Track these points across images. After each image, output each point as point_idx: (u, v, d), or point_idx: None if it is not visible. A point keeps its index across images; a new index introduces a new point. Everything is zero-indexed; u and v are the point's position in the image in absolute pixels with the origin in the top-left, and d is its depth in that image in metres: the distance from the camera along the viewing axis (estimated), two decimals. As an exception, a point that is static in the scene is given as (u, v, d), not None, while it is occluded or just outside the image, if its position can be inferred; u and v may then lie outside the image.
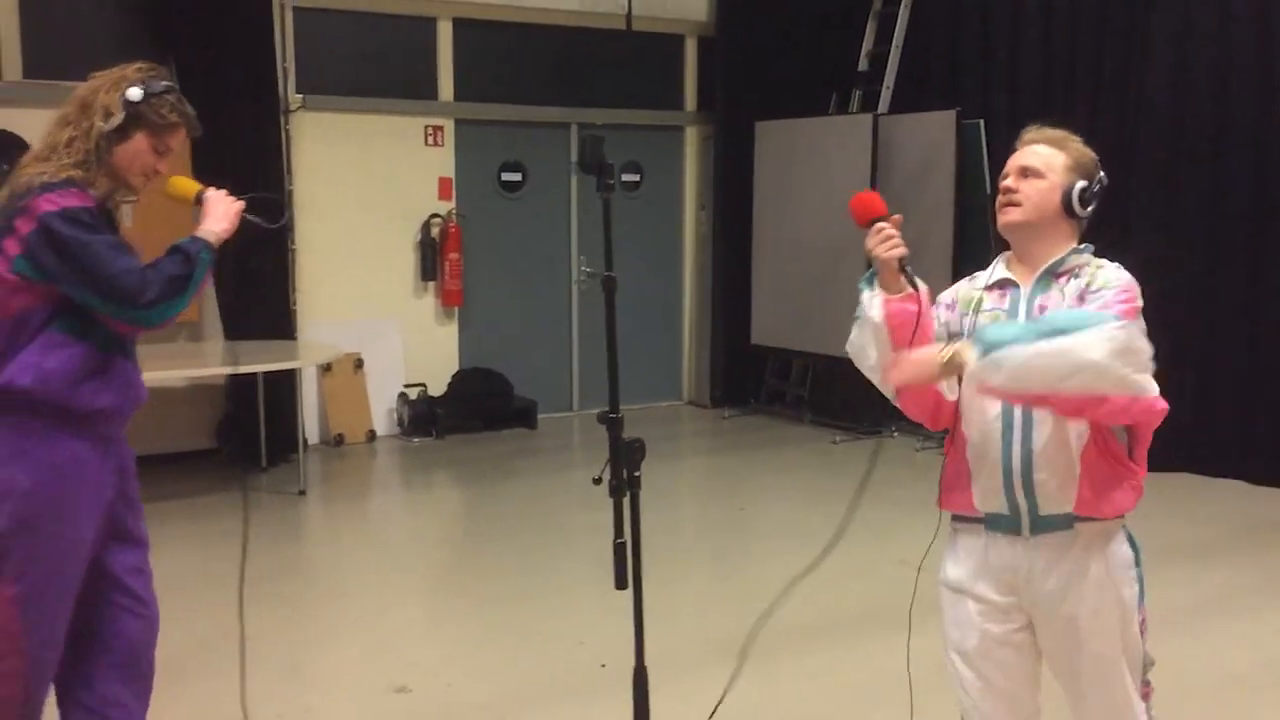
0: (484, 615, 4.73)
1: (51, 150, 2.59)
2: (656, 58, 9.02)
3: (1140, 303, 2.26)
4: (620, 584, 2.08)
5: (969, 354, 2.10)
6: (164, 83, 2.66)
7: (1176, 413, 7.94)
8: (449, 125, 8.21)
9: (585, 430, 8.54)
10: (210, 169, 7.08)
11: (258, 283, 7.24)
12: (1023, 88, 7.69)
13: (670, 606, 4.81)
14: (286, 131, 7.42)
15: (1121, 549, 2.37)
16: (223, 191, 2.76)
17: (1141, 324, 2.20)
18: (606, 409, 2.06)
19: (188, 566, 5.31)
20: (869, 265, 2.35)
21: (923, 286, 2.32)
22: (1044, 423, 2.25)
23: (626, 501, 2.03)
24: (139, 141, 2.63)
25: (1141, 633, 2.39)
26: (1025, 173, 2.37)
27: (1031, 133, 2.44)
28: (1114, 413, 2.17)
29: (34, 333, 2.52)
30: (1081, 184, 2.35)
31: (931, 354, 2.17)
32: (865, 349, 2.34)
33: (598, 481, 2.04)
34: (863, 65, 8.64)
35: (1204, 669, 4.07)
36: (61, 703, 2.77)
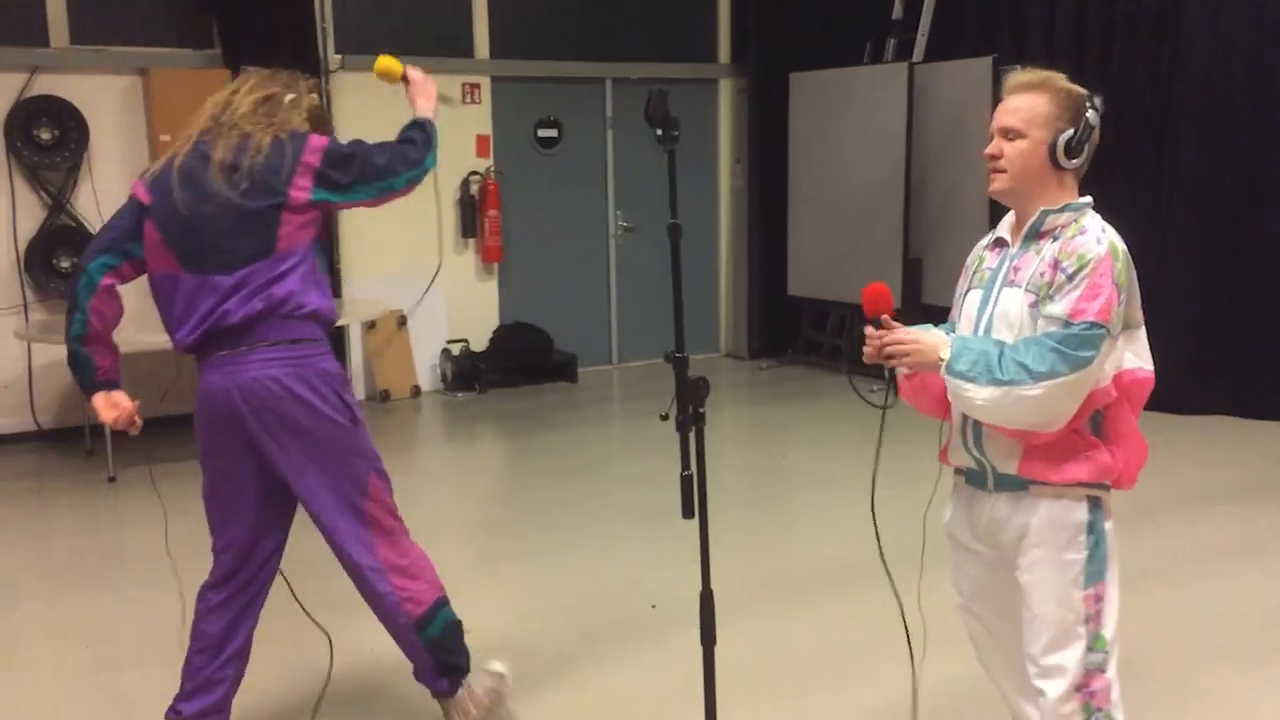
0: (535, 563, 4.86)
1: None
2: (689, 11, 9.02)
3: (1111, 288, 2.18)
4: (687, 513, 2.20)
5: (943, 354, 2.22)
6: None
7: (1219, 357, 7.93)
8: (485, 83, 8.27)
9: (625, 383, 8.66)
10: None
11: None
12: (1058, 30, 7.64)
13: (717, 549, 4.93)
14: (326, 92, 7.49)
15: (1073, 512, 2.29)
16: (418, 71, 3.26)
17: (1118, 305, 2.19)
18: (672, 350, 2.17)
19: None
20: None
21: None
22: None
23: (692, 436, 2.14)
24: None
25: (1096, 612, 2.29)
26: (1006, 133, 2.28)
27: (1012, 78, 2.33)
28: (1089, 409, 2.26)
29: (312, 261, 2.94)
30: (1067, 134, 2.24)
31: (932, 350, 2.25)
32: None
33: (664, 418, 2.15)
34: (897, 13, 8.60)
35: (1243, 603, 4.16)
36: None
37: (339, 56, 7.61)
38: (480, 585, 4.72)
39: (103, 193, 6.96)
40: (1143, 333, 2.32)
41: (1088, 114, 2.25)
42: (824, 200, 8.46)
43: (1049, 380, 2.14)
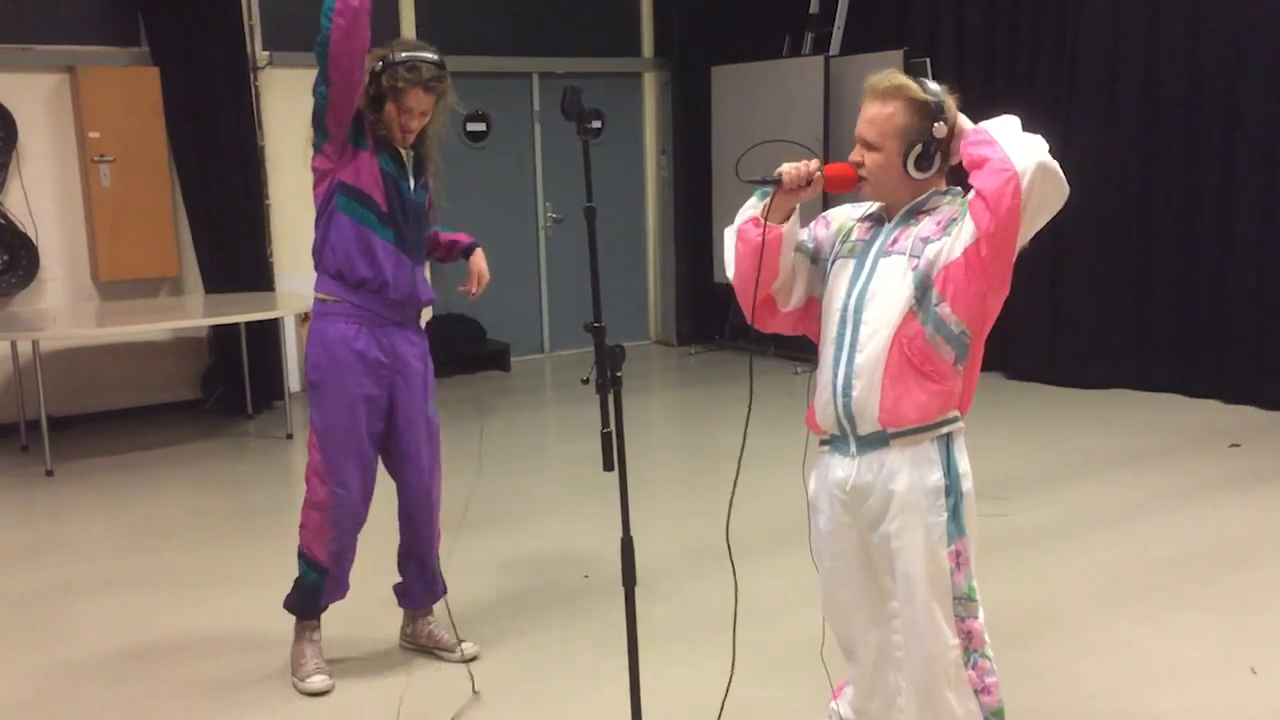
0: (475, 541, 5.02)
1: None
2: (613, 6, 9.21)
3: None
4: (608, 466, 2.38)
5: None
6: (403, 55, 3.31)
7: (1117, 330, 8.30)
8: (413, 78, 8.38)
9: (556, 370, 8.85)
10: (184, 126, 7.29)
11: (234, 237, 7.46)
12: (968, 22, 7.97)
13: (647, 520, 5.15)
14: (256, 88, 7.59)
15: (931, 476, 2.39)
16: None
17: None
18: (591, 321, 2.38)
19: (182, 508, 5.61)
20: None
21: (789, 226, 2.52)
22: (871, 340, 2.38)
23: (611, 397, 2.35)
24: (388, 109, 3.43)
25: (958, 565, 2.40)
26: (866, 144, 2.40)
27: (870, 82, 2.40)
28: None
29: (335, 215, 3.48)
30: (916, 150, 2.34)
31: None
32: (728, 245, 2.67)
33: (585, 381, 2.36)
34: (814, 8, 8.88)
35: (1133, 558, 4.48)
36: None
37: (266, 53, 7.69)
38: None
39: (32, 190, 7.00)
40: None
41: (935, 127, 2.34)
42: (747, 189, 8.70)
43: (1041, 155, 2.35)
